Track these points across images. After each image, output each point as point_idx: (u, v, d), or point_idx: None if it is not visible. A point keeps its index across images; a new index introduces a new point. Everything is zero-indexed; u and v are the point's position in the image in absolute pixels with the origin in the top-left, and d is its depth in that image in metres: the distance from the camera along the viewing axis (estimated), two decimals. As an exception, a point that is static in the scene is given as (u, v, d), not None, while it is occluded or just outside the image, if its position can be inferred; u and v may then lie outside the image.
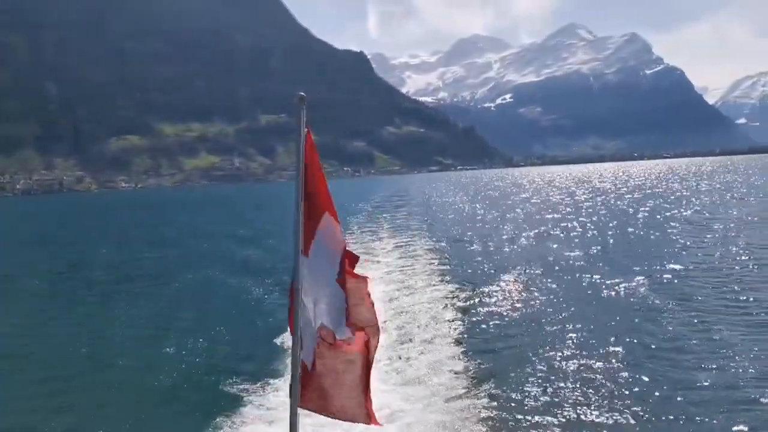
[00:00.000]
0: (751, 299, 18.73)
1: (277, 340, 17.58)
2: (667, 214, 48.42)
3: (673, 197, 68.16)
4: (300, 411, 5.28)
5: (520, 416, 11.62)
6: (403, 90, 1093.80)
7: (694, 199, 62.25)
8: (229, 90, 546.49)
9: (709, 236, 33.54)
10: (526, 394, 12.67)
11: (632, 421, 10.98)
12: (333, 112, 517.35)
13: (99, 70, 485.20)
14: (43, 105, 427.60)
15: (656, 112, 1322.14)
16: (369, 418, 5.29)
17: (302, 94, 5.22)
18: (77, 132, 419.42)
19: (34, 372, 16.86)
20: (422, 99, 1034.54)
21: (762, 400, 11.34)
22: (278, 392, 13.33)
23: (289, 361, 5.80)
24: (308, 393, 5.24)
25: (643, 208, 54.87)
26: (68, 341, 19.75)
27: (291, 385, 5.27)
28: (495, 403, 12.21)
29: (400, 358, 15.48)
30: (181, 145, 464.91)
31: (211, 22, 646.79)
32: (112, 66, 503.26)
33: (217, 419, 12.30)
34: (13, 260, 43.68)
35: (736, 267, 24.07)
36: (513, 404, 12.17)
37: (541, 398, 12.37)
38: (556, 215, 53.36)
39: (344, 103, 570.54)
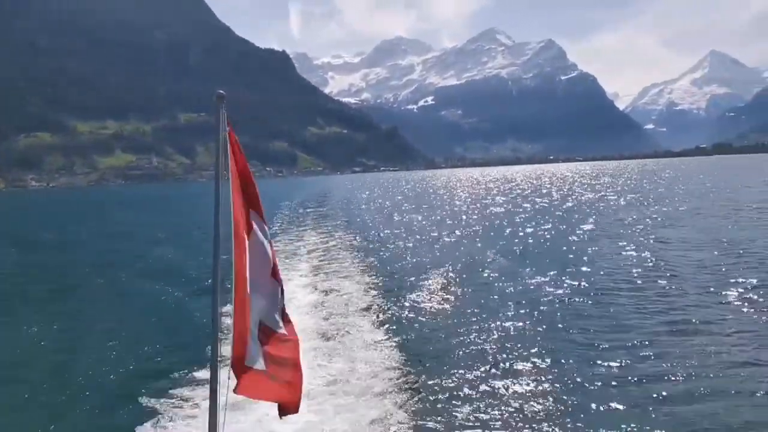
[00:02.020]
0: (666, 295, 19.57)
1: (198, 339, 17.48)
2: (581, 215, 50.22)
3: (585, 198, 71.16)
4: (221, 408, 5.33)
5: (441, 408, 11.78)
6: (326, 90, 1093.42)
7: (606, 200, 65.25)
8: (146, 87, 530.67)
9: (623, 233, 35.05)
10: (447, 385, 12.89)
11: (549, 414, 11.21)
12: (255, 111, 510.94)
13: (5, 65, 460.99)
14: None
15: (571, 116, 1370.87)
16: (298, 406, 5.60)
17: (221, 92, 5.11)
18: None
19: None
20: (345, 100, 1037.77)
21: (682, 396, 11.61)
22: (203, 387, 13.22)
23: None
24: (245, 381, 5.25)
25: (559, 210, 56.90)
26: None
27: (211, 379, 5.29)
28: (417, 395, 12.41)
29: (324, 350, 15.82)
30: (96, 143, 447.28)
31: (127, 17, 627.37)
32: (21, 61, 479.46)
33: (140, 422, 12.25)
34: None
35: (651, 264, 25.14)
36: (434, 396, 12.39)
37: (462, 391, 12.61)
38: (475, 216, 54.37)
39: (266, 102, 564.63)
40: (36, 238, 56.59)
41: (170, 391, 13.54)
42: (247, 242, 5.41)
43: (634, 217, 45.47)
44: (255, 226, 5.64)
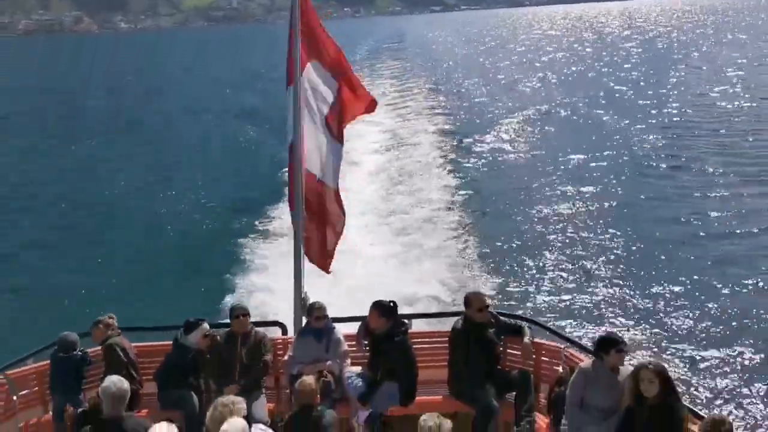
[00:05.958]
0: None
1: (275, 175, 17.90)
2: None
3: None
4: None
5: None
6: None
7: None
8: None
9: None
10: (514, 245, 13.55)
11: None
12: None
13: None
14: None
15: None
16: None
17: None
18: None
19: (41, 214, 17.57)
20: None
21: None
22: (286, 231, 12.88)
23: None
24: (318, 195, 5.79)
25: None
26: (71, 186, 20.70)
27: (292, 220, 5.50)
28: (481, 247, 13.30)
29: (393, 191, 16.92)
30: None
31: None
32: None
33: (227, 263, 13.13)
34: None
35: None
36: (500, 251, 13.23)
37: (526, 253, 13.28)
38: (557, 65, 52.68)
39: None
40: (122, 82, 59.72)
41: (253, 232, 14.68)
42: (306, 85, 5.56)
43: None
44: (315, 74, 5.66)
